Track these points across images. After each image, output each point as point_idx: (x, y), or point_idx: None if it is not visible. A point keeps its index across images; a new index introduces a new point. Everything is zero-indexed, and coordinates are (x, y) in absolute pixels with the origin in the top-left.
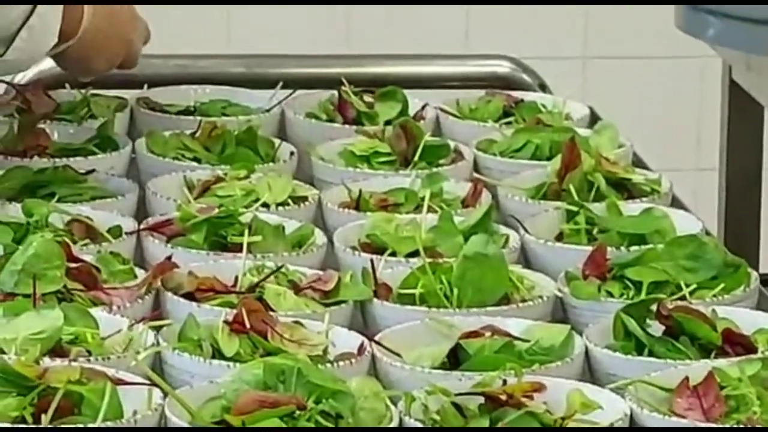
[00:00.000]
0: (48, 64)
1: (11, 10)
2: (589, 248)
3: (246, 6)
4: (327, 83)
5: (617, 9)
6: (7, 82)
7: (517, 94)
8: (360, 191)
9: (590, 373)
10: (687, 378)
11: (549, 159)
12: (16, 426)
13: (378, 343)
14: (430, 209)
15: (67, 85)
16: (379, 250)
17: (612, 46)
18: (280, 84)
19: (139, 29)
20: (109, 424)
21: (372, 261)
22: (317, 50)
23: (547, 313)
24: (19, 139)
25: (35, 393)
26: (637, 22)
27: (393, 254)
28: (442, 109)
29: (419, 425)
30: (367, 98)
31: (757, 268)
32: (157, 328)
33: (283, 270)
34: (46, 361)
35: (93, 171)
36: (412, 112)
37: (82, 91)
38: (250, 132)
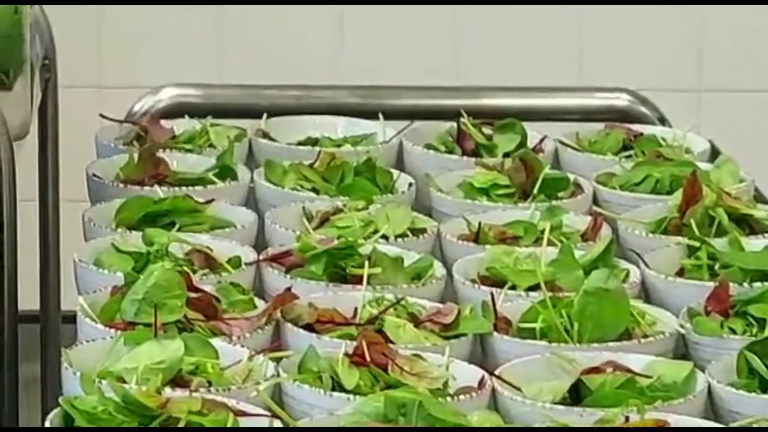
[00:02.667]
0: (166, 94)
1: None
2: (711, 284)
3: (356, 37)
4: (442, 115)
5: (732, 40)
6: (120, 120)
7: (637, 127)
8: (479, 224)
9: (713, 410)
10: None
11: (669, 193)
12: None
13: (498, 377)
14: (549, 242)
15: (185, 115)
16: (499, 283)
17: (728, 78)
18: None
19: None
20: None
21: (492, 294)
22: (426, 82)
23: (669, 349)
24: (138, 168)
25: (157, 423)
26: (754, 54)
27: (513, 287)
28: (561, 142)
29: None
30: (486, 130)
31: None
32: (277, 359)
33: (402, 302)
34: (167, 391)
35: (212, 200)
36: (531, 144)
37: (202, 120)
38: (368, 163)
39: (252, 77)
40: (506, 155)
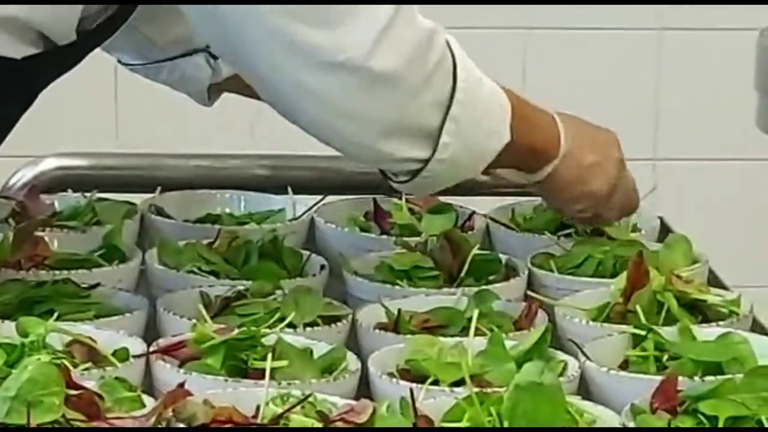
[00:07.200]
0: (47, 165)
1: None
2: (659, 378)
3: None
4: (359, 188)
5: (691, 106)
6: None
7: None
8: (399, 311)
9: None
10: None
11: (613, 276)
12: None
13: None
14: (478, 332)
15: (68, 189)
16: (420, 377)
17: (684, 146)
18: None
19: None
20: None
21: (411, 390)
22: None
23: None
24: (14, 249)
25: None
26: (713, 121)
27: (435, 382)
28: (492, 219)
29: None
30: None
31: None
32: None
33: (310, 399)
34: None
35: (97, 285)
36: (459, 221)
37: (87, 194)
38: (275, 242)
39: (148, 146)
40: (431, 235)
